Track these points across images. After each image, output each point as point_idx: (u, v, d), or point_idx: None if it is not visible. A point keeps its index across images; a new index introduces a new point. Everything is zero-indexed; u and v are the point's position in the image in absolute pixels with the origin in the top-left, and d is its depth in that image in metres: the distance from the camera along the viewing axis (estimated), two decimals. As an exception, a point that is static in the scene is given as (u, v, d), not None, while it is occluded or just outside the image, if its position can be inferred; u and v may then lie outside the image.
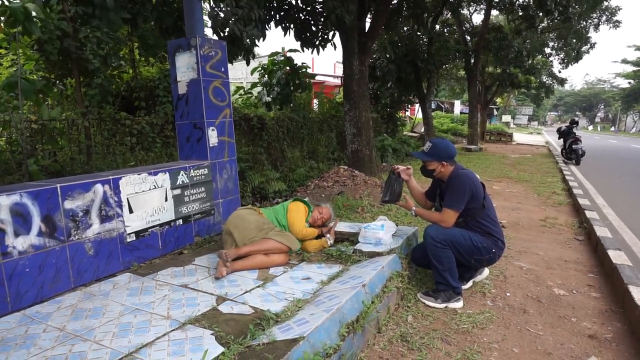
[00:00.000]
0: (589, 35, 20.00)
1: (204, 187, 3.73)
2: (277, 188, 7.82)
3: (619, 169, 12.41)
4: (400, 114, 16.13)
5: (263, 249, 3.13)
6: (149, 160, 6.07)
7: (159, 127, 6.27)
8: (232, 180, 4.09)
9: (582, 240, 4.81)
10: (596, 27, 19.27)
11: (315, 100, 12.11)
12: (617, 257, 3.79)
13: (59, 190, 2.64)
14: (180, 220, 3.51)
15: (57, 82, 5.73)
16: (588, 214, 5.53)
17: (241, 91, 10.36)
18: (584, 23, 19.11)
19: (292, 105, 9.90)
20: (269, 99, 10.05)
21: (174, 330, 2.18)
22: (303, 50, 7.41)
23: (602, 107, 79.87)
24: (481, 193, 3.03)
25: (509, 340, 2.65)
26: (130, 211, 3.06)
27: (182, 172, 3.49)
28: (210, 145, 3.80)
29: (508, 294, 3.32)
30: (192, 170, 3.60)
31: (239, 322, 2.29)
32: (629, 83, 55.96)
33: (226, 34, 5.91)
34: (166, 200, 3.36)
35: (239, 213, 3.33)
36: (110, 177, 2.93)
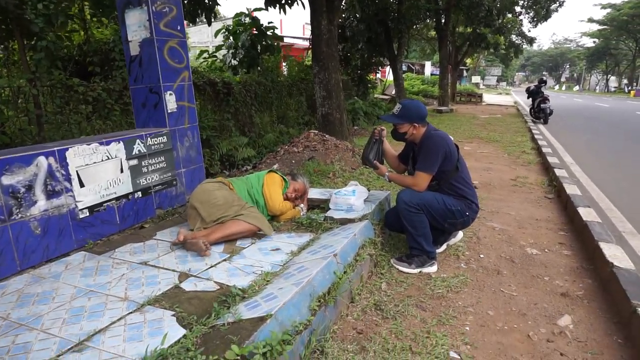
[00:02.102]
0: (557, -8, 19.95)
1: (163, 157, 3.48)
2: (245, 155, 7.59)
3: (585, 127, 12.68)
4: (371, 76, 15.87)
5: (233, 232, 2.92)
6: (108, 129, 5.71)
7: (117, 93, 5.87)
8: (195, 148, 3.84)
9: (552, 198, 4.85)
10: (565, -16, 19.21)
11: (284, 64, 11.69)
12: (587, 214, 3.81)
13: (-6, 164, 2.37)
14: (139, 193, 3.28)
15: (-1, 45, 5.23)
16: (557, 172, 5.57)
17: (205, 54, 9.85)
18: (553, -20, 19.01)
19: (259, 68, 9.50)
20: (235, 62, 9.61)
21: (131, 312, 2.01)
22: (267, 9, 6.99)
23: (568, 66, 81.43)
24: (455, 154, 2.92)
25: (483, 302, 2.62)
26: (81, 185, 2.81)
27: (138, 141, 3.22)
28: (169, 111, 3.52)
29: (482, 256, 3.29)
30: (149, 139, 3.34)
31: (202, 300, 2.14)
32: (594, 42, 56.93)
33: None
34: (122, 171, 3.10)
35: (205, 187, 3.10)
36: (55, 149, 2.65)
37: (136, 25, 3.34)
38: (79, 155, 2.77)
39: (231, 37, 9.59)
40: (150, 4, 3.24)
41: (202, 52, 9.94)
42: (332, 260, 2.39)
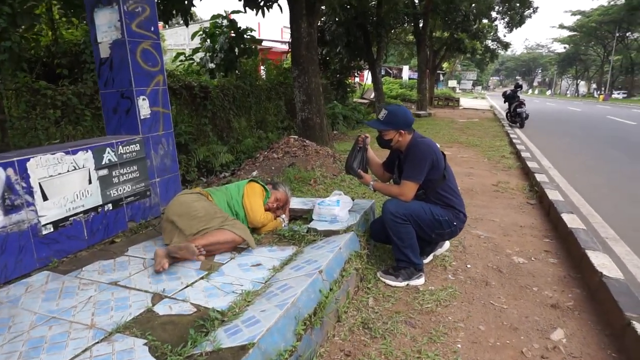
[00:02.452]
0: (531, -1, 20.39)
1: (136, 166, 3.27)
2: (224, 161, 7.39)
3: (559, 131, 12.91)
4: (350, 80, 15.83)
5: (219, 241, 2.74)
6: (78, 135, 5.44)
7: (87, 97, 5.60)
8: (170, 157, 3.64)
9: (534, 204, 4.83)
10: (538, -9, 19.62)
11: (262, 67, 11.51)
12: (571, 220, 3.78)
13: (-56, 177, 2.14)
14: (110, 205, 3.06)
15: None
16: (538, 177, 5.58)
17: (182, 57, 9.60)
18: (527, -13, 19.41)
19: (237, 72, 9.30)
20: (212, 65, 9.39)
21: (98, 342, 1.82)
22: (246, 11, 6.82)
23: (540, 71, 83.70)
24: (442, 162, 2.83)
25: (474, 317, 2.52)
26: (45, 198, 2.58)
27: (108, 150, 3.01)
28: (142, 117, 3.31)
29: (469, 266, 3.21)
30: (120, 147, 3.13)
31: (178, 326, 1.96)
32: (565, 48, 58.68)
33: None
34: (90, 182, 2.89)
35: (183, 199, 2.90)
36: (15, 159, 2.43)
37: (106, 25, 3.13)
38: (41, 165, 2.55)
39: (208, 40, 9.36)
40: (122, 4, 3.04)
41: (178, 54, 9.68)
42: (317, 277, 2.25)
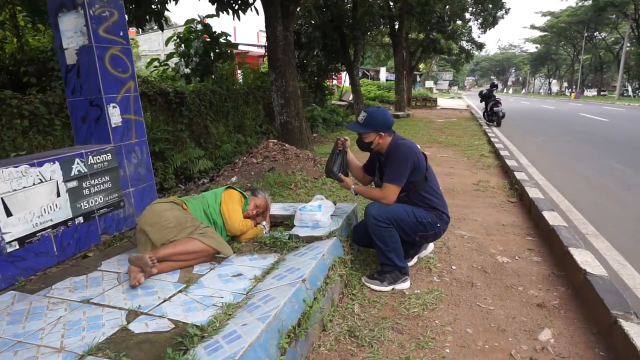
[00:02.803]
0: (503, 0, 20.76)
1: (108, 176, 3.13)
2: (202, 167, 7.25)
3: (535, 129, 13.14)
4: (328, 83, 15.81)
5: (186, 250, 2.62)
6: (48, 146, 5.24)
7: (57, 106, 5.40)
8: (144, 165, 3.51)
9: (515, 202, 4.85)
10: (509, -8, 20.03)
11: (239, 71, 11.37)
12: (552, 218, 3.80)
13: None
14: (81, 218, 2.91)
15: None
16: (517, 175, 5.62)
17: (156, 62, 9.40)
18: (499, -12, 19.78)
19: (213, 76, 9.16)
20: (187, 70, 9.23)
21: (67, 367, 1.70)
22: (219, 15, 6.70)
23: (514, 70, 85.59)
24: (423, 164, 2.79)
25: (461, 320, 2.48)
26: (8, 214, 2.43)
27: (77, 160, 2.87)
28: (113, 126, 3.17)
29: (454, 267, 3.18)
30: (90, 157, 2.98)
31: (155, 344, 1.85)
32: (536, 47, 60.14)
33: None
34: (58, 195, 2.74)
35: (155, 208, 2.77)
36: (-26, 174, 2.29)
37: (72, 31, 2.99)
38: (3, 180, 2.40)
39: (183, 45, 9.20)
40: (87, 8, 2.90)
41: (152, 60, 9.48)
42: (300, 287, 2.17)
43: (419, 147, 2.88)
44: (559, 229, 3.47)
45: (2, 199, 2.39)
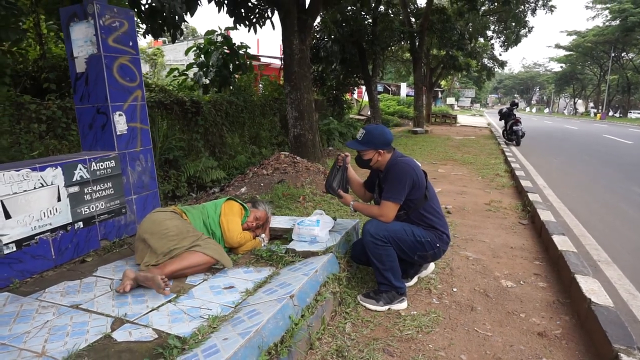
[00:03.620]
0: (526, 19, 20.60)
1: (110, 183, 3.17)
2: (215, 176, 7.29)
3: (556, 149, 12.86)
4: (347, 97, 15.85)
5: (191, 265, 2.62)
6: (63, 150, 5.35)
7: (74, 112, 5.52)
8: (148, 173, 3.54)
9: (526, 224, 4.72)
10: (533, 11, 19.87)
11: (260, 84, 11.50)
12: (562, 242, 3.67)
13: None
14: (81, 223, 2.95)
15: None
16: (531, 196, 5.47)
17: (175, 72, 9.59)
18: (522, 7, 19.61)
19: (231, 87, 9.28)
20: (206, 81, 9.38)
21: (44, 373, 1.70)
22: (237, 28, 6.81)
23: (538, 89, 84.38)
24: (423, 182, 2.73)
25: (456, 345, 2.39)
26: (7, 216, 2.47)
27: (80, 166, 2.91)
28: (118, 133, 3.22)
29: (455, 289, 3.08)
30: (94, 163, 3.03)
31: (135, 354, 1.84)
32: (561, 67, 59.22)
33: (145, 6, 5.25)
34: (59, 200, 2.78)
35: (155, 217, 2.79)
36: (-25, 176, 2.34)
37: (82, 40, 3.06)
38: (4, 182, 2.44)
39: (202, 56, 9.37)
40: (98, 18, 2.97)
41: (172, 70, 9.67)
42: (287, 302, 2.13)
43: (419, 164, 2.83)
44: (568, 255, 3.34)
45: (1, 201, 2.44)
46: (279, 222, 3.55)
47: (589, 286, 2.77)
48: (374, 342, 2.36)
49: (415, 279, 3.13)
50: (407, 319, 2.63)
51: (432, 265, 3.25)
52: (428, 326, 2.56)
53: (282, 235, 3.35)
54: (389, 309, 2.72)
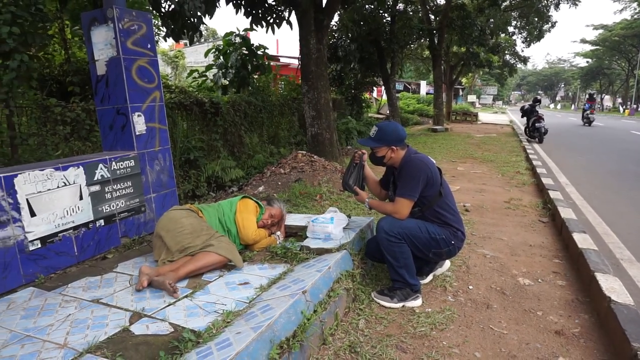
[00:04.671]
0: (549, 13, 20.15)
1: (130, 181, 3.26)
2: (234, 176, 7.39)
3: (580, 146, 12.53)
4: (366, 95, 15.81)
5: (205, 265, 2.68)
6: (87, 151, 5.51)
7: (97, 113, 5.70)
8: (167, 172, 3.63)
9: (546, 222, 4.63)
10: (556, 5, 19.38)
11: (280, 84, 11.59)
12: (582, 240, 3.59)
13: None
14: (102, 221, 3.04)
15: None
16: (552, 194, 5.37)
17: (195, 74, 9.75)
18: (545, 1, 19.17)
19: (250, 88, 9.38)
20: (225, 82, 9.50)
21: (65, 363, 1.77)
22: (253, 28, 6.88)
23: (562, 85, 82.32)
24: (437, 179, 2.72)
25: (470, 342, 2.38)
26: (32, 214, 2.58)
27: (101, 166, 3.01)
28: (137, 133, 3.31)
29: (471, 287, 3.06)
30: (114, 163, 3.12)
31: (152, 347, 1.89)
32: (587, 62, 57.63)
33: (166, 9, 5.37)
34: (81, 198, 2.88)
35: (172, 214, 2.87)
36: (1, 175, 2.43)
37: (102, 43, 3.16)
38: (30, 182, 2.55)
39: (221, 57, 9.50)
40: (117, 22, 3.07)
41: (192, 71, 9.84)
42: (300, 298, 2.16)
43: (434, 161, 2.81)
44: (588, 253, 3.27)
45: (27, 199, 2.54)
46: (294, 219, 3.59)
47: (609, 284, 2.71)
48: (387, 338, 2.36)
49: (430, 277, 3.11)
50: (421, 316, 2.62)
51: (447, 263, 3.23)
52: (442, 323, 2.55)
53: (298, 233, 3.39)
54: (403, 306, 2.72)
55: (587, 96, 21.52)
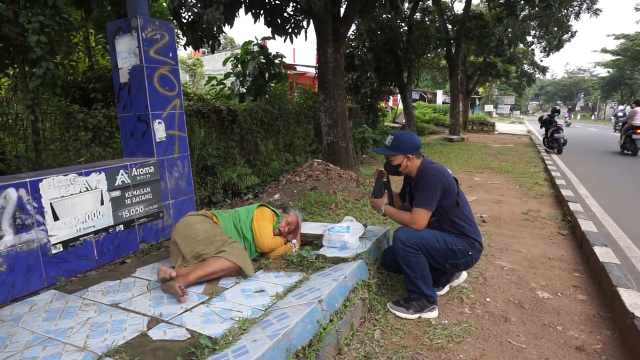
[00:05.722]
0: (570, 23, 19.88)
1: (149, 187, 3.32)
2: (249, 183, 7.45)
3: (601, 158, 12.30)
4: (382, 104, 15.81)
5: (215, 271, 2.70)
6: (108, 157, 5.63)
7: (117, 120, 5.82)
8: (185, 179, 3.68)
9: (565, 234, 4.54)
10: (577, 15, 19.12)
11: (296, 92, 11.69)
12: (603, 254, 3.51)
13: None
14: (121, 226, 3.10)
15: (-1, 72, 5.23)
16: (571, 206, 5.27)
17: (213, 82, 9.89)
18: (565, 11, 18.94)
19: (267, 96, 9.47)
20: (243, 90, 9.61)
21: (85, 366, 1.80)
22: (274, 37, 6.97)
23: (582, 96, 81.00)
24: (454, 189, 2.70)
25: (488, 356, 2.34)
26: (56, 218, 2.64)
27: (121, 171, 3.07)
28: (157, 140, 3.38)
29: (488, 299, 3.01)
30: (134, 169, 3.18)
31: (169, 352, 1.91)
32: (608, 72, 56.57)
33: (186, 19, 5.48)
34: (102, 203, 2.94)
35: (187, 220, 2.90)
36: (27, 180, 2.50)
37: (126, 52, 3.24)
38: (54, 186, 2.62)
39: (239, 65, 9.62)
40: (141, 31, 3.14)
41: (210, 79, 9.98)
42: (316, 307, 2.16)
43: (449, 171, 2.80)
44: (610, 267, 3.20)
45: (51, 204, 2.61)
46: (310, 228, 3.59)
47: (633, 300, 2.64)
48: (402, 349, 2.34)
49: (447, 288, 3.08)
50: (437, 327, 2.59)
51: (464, 274, 3.19)
52: (459, 336, 2.52)
53: (313, 242, 3.39)
54: (419, 317, 2.69)
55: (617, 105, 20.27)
